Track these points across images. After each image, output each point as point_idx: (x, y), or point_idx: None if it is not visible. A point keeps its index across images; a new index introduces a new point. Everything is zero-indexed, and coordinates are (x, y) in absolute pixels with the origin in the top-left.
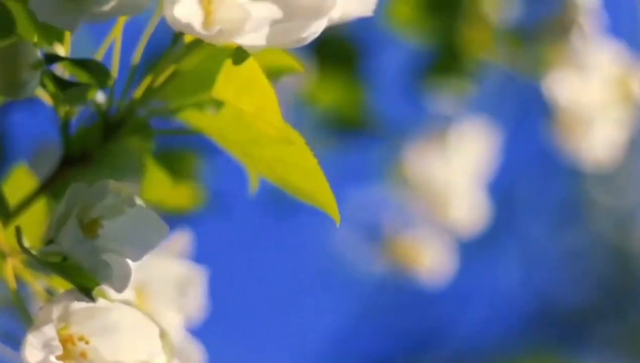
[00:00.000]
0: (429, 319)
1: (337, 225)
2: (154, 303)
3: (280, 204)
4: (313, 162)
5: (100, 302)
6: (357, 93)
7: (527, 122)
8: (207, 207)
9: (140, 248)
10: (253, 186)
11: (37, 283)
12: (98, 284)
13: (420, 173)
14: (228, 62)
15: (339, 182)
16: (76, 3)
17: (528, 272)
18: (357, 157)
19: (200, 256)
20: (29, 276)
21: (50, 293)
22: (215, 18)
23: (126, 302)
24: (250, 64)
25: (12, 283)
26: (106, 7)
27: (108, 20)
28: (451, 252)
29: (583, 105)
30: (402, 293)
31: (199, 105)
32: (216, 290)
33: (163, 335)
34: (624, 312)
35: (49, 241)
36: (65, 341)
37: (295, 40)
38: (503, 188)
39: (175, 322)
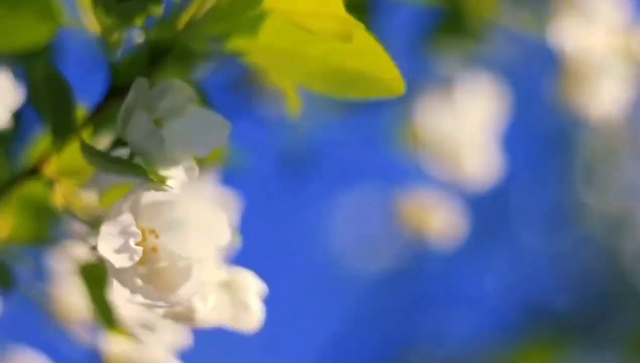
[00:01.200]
0: (421, 321)
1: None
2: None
3: (293, 171)
4: (372, 40)
5: (169, 194)
6: None
7: (531, 86)
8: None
9: (205, 145)
10: (293, 105)
11: (85, 212)
12: (166, 178)
13: (431, 130)
14: None
15: (350, 146)
16: None
17: (519, 274)
18: (367, 120)
19: None
20: (77, 204)
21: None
22: None
23: (194, 196)
24: None
25: (62, 208)
26: None
27: None
28: (463, 214)
29: (589, 55)
30: (395, 295)
31: (249, 22)
32: None
33: (231, 226)
34: (616, 315)
35: (115, 143)
36: None
37: None
38: (495, 191)
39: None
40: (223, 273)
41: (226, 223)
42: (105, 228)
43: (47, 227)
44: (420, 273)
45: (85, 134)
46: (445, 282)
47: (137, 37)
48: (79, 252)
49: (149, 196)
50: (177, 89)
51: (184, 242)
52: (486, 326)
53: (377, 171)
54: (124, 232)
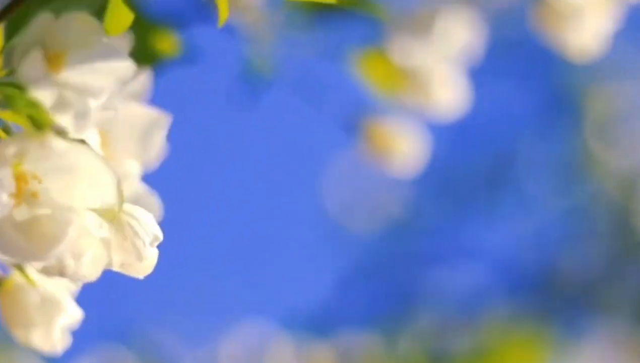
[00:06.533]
0: (424, 277)
1: None
2: (114, 149)
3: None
4: None
5: (58, 141)
6: None
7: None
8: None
9: (104, 83)
10: (222, 15)
11: None
12: (54, 121)
13: (403, 57)
14: None
15: (317, 62)
16: None
17: (528, 230)
18: (337, 38)
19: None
20: None
21: (3, 126)
22: None
23: (87, 145)
24: None
25: None
26: None
27: None
28: (426, 139)
29: None
30: (397, 251)
31: None
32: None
33: (119, 184)
34: (625, 272)
35: (9, 72)
36: (18, 179)
37: None
38: (504, 143)
39: (134, 170)
40: (105, 230)
41: (114, 180)
42: None
43: None
44: (424, 228)
45: None
46: (450, 236)
47: None
48: None
49: (37, 139)
50: (82, 22)
51: (68, 191)
52: (491, 282)
53: (341, 93)
54: None
